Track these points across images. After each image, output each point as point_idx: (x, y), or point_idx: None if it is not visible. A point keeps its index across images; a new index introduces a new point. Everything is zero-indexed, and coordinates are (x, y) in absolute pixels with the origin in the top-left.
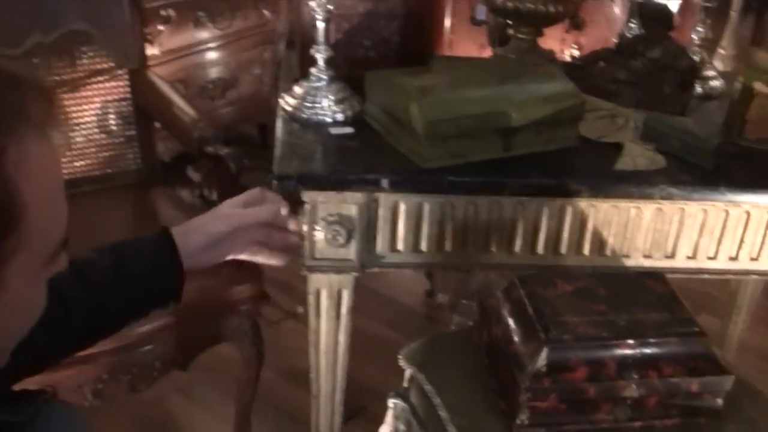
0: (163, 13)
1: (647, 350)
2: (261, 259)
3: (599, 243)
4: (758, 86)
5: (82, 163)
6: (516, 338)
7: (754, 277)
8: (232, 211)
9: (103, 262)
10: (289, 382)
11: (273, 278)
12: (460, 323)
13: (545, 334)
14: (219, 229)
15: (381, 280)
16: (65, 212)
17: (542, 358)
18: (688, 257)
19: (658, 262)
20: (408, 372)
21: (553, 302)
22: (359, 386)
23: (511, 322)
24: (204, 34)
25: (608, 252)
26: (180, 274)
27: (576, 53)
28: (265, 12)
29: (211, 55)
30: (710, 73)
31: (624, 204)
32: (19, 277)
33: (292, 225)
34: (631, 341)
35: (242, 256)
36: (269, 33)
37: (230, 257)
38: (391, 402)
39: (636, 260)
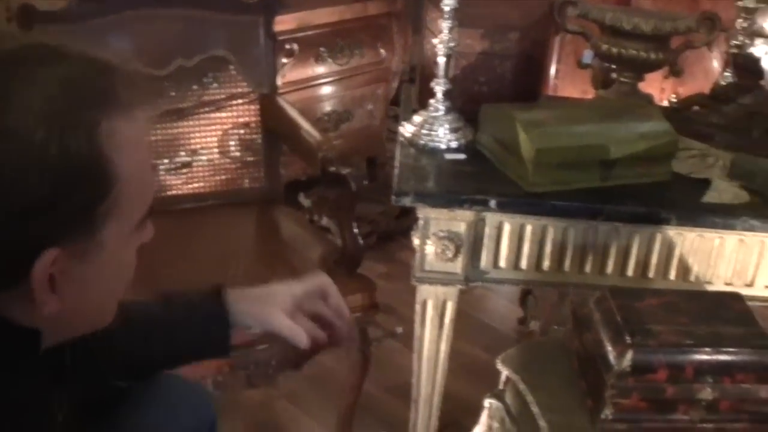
0: (288, 46)
1: (722, 357)
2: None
3: (684, 269)
4: None
5: (212, 179)
6: (605, 342)
7: None
8: (284, 299)
9: (154, 311)
10: (389, 395)
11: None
12: None
13: (631, 339)
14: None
15: (478, 307)
16: (152, 183)
17: (627, 359)
18: (767, 286)
19: (738, 290)
20: (504, 374)
21: (640, 312)
22: (453, 402)
23: (601, 329)
24: (323, 69)
25: (692, 278)
26: (227, 330)
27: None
28: (382, 51)
29: (328, 89)
30: None
31: (709, 234)
32: (115, 239)
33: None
34: (708, 349)
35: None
36: (384, 71)
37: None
38: (487, 402)
39: (717, 287)
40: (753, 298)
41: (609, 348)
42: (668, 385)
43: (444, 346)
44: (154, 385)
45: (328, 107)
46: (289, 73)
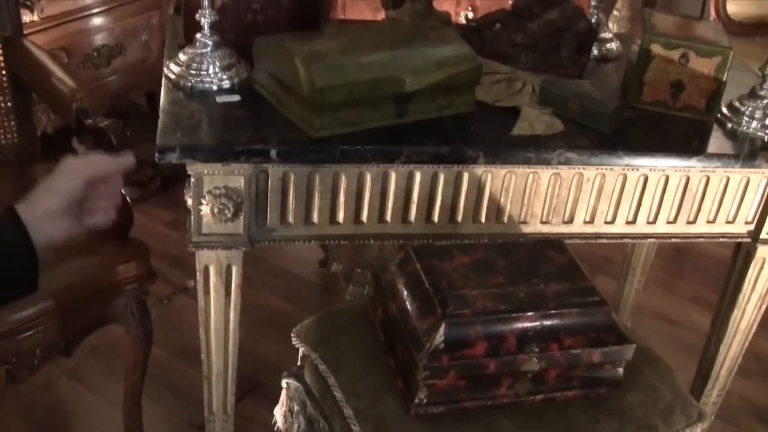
0: None
1: (547, 322)
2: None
3: (496, 210)
4: (656, 49)
5: None
6: (412, 314)
7: (652, 240)
8: (79, 161)
9: None
10: (181, 360)
11: (162, 252)
12: (355, 293)
13: (442, 310)
14: (72, 186)
15: (274, 252)
16: None
17: (440, 335)
18: (586, 222)
19: (556, 228)
20: (301, 350)
21: (450, 275)
22: (254, 362)
23: (406, 296)
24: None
25: (505, 219)
26: (32, 257)
27: (471, 15)
28: None
29: (96, 21)
30: (607, 35)
31: (521, 170)
32: None
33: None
34: (530, 314)
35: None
36: None
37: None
38: (285, 382)
39: (534, 226)
40: (572, 236)
41: (418, 321)
42: (488, 360)
43: (233, 315)
44: None
45: (97, 42)
46: (46, 7)
